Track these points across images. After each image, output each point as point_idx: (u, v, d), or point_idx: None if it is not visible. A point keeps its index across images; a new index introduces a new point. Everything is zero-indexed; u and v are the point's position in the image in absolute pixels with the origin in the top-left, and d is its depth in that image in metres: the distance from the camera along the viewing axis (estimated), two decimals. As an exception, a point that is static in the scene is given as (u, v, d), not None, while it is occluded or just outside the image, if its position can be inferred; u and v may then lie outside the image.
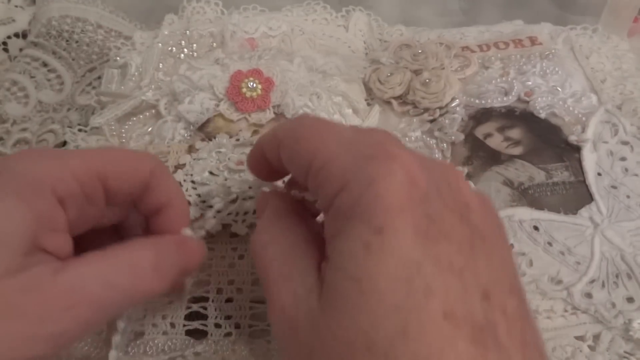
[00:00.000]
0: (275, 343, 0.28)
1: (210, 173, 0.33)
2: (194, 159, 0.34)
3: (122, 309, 0.25)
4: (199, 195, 0.32)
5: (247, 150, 0.34)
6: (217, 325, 0.29)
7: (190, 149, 0.34)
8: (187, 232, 0.27)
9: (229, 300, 0.29)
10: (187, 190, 0.32)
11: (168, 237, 0.25)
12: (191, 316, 0.29)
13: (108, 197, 0.24)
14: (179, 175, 0.33)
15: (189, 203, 0.32)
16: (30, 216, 0.20)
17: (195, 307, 0.29)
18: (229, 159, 0.33)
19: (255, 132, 0.36)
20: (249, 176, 0.32)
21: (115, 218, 0.26)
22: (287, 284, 0.20)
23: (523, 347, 0.17)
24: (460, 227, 0.18)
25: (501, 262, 0.19)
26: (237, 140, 0.35)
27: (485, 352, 0.16)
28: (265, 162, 0.24)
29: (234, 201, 0.31)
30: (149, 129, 0.37)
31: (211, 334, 0.28)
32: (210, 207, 0.31)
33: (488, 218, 0.20)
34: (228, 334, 0.29)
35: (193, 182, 0.33)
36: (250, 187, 0.32)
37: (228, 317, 0.29)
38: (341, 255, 0.18)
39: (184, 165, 0.33)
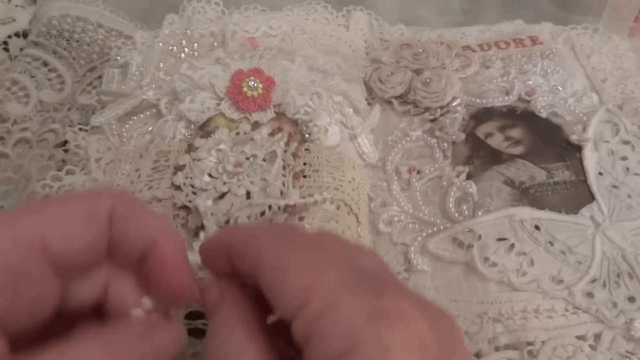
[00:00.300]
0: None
1: (210, 175, 0.33)
2: (193, 160, 0.33)
3: None
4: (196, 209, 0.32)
5: (246, 148, 0.33)
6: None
7: (190, 148, 0.34)
8: (146, 304, 0.20)
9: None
10: (187, 195, 0.32)
11: (127, 327, 0.19)
12: (191, 315, 0.29)
13: (57, 267, 0.18)
14: (179, 178, 0.33)
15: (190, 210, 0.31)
16: None
17: (195, 306, 0.29)
18: (227, 158, 0.33)
19: (255, 125, 0.35)
20: (247, 178, 0.32)
21: (86, 295, 0.20)
22: None
23: None
24: None
25: None
26: (237, 134, 0.35)
27: None
28: (226, 261, 0.20)
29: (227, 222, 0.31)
30: (150, 128, 0.37)
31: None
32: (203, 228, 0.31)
33: None
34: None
35: (192, 186, 0.32)
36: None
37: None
38: None
39: (184, 166, 0.33)
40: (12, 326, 0.17)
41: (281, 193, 0.32)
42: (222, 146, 0.34)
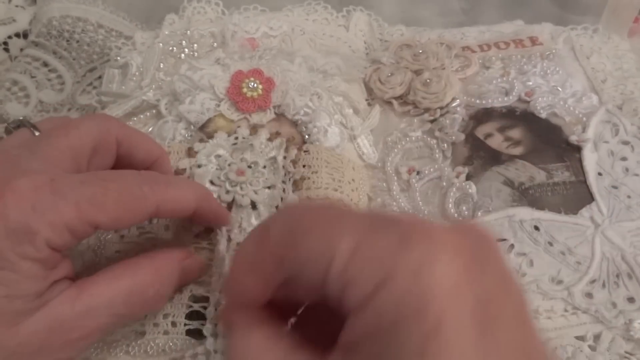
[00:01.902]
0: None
1: (211, 183, 0.33)
2: (193, 165, 0.33)
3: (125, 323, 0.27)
4: None
5: (246, 154, 0.33)
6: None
7: (190, 152, 0.34)
8: None
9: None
10: None
11: (170, 256, 0.27)
12: (192, 315, 0.29)
13: None
14: None
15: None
16: (35, 268, 0.22)
17: (196, 306, 0.29)
18: (229, 165, 0.33)
19: (253, 129, 0.35)
20: (250, 187, 0.32)
21: None
22: None
23: None
24: (506, 301, 0.17)
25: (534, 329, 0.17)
26: (236, 139, 0.35)
27: None
28: (252, 282, 0.20)
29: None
30: (150, 129, 0.37)
31: (211, 334, 0.28)
32: None
33: (511, 277, 0.18)
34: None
35: None
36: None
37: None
38: None
39: (184, 170, 0.33)
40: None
41: (281, 199, 0.32)
42: (220, 152, 0.34)
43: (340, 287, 0.17)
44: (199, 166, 0.33)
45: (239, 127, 0.36)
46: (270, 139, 0.35)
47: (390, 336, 0.16)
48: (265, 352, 0.19)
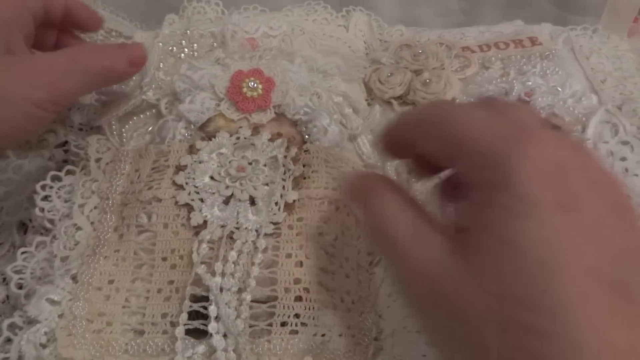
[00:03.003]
0: (275, 343, 0.28)
1: (212, 178, 0.33)
2: (195, 162, 0.34)
3: (86, 81, 0.32)
4: (201, 200, 0.32)
5: (248, 153, 0.34)
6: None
7: (191, 149, 0.34)
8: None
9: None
10: (189, 193, 0.32)
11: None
12: (191, 315, 0.29)
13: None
14: (180, 178, 0.33)
15: (192, 208, 0.32)
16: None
17: (195, 306, 0.29)
18: (229, 162, 0.33)
19: (255, 130, 0.36)
20: (249, 183, 0.32)
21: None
22: (426, 248, 0.21)
23: None
24: (596, 201, 0.20)
25: (633, 231, 0.20)
26: (237, 138, 0.35)
27: (626, 304, 0.18)
28: (399, 141, 0.26)
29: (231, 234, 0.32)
30: (150, 129, 0.37)
31: (211, 334, 0.28)
32: None
33: (615, 191, 0.21)
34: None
35: (195, 185, 0.33)
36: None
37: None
38: (489, 221, 0.20)
39: (185, 166, 0.34)
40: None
41: (281, 196, 0.32)
42: (223, 150, 0.34)
43: (463, 165, 0.22)
44: (200, 162, 0.34)
45: (241, 127, 0.36)
46: (272, 140, 0.35)
47: (492, 201, 0.20)
48: (399, 214, 0.23)
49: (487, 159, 0.21)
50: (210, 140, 0.35)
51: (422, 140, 0.24)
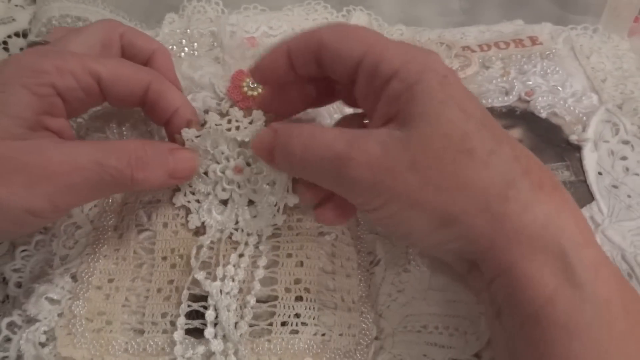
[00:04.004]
0: (275, 342, 0.28)
1: (205, 174, 0.31)
2: None
3: (110, 189, 0.28)
4: (198, 202, 0.31)
5: (246, 149, 0.31)
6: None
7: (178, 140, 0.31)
8: (187, 132, 0.30)
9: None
10: (185, 194, 0.31)
11: (162, 142, 0.31)
12: (191, 315, 0.29)
13: (107, 96, 0.29)
14: None
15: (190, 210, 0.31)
16: (32, 98, 0.26)
17: (195, 306, 0.29)
18: (226, 160, 0.32)
19: (247, 112, 0.33)
20: (248, 186, 0.31)
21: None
22: (363, 141, 0.24)
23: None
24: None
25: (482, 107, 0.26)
26: (229, 122, 0.32)
27: (489, 132, 0.24)
28: (282, 66, 0.28)
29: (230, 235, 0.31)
30: (150, 128, 0.37)
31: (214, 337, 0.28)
32: None
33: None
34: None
35: (190, 185, 0.31)
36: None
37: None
38: (421, 96, 0.24)
39: None
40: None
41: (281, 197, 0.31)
42: (216, 138, 0.31)
43: (369, 74, 0.25)
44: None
45: (231, 107, 0.34)
46: (266, 123, 0.31)
47: (421, 81, 0.24)
48: (324, 134, 0.25)
49: (398, 61, 0.25)
50: (202, 128, 0.32)
51: (306, 65, 0.27)
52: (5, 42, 0.46)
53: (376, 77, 0.25)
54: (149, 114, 0.32)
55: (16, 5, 0.48)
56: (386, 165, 0.23)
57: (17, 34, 0.47)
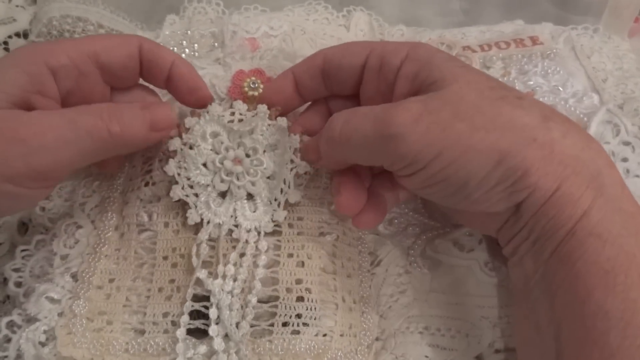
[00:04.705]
0: (277, 343, 0.28)
1: (204, 166, 0.31)
2: (184, 144, 0.31)
3: (91, 148, 0.27)
4: (196, 195, 0.31)
5: (245, 139, 0.31)
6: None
7: (180, 129, 0.31)
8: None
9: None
10: (183, 187, 0.31)
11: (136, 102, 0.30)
12: (192, 315, 0.29)
13: (105, 75, 0.30)
14: (171, 167, 0.31)
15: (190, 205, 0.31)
16: (21, 76, 0.26)
17: (197, 306, 0.29)
18: (225, 150, 0.31)
19: (252, 106, 0.33)
20: (247, 177, 0.31)
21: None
22: (401, 104, 0.25)
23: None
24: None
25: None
26: (232, 114, 0.32)
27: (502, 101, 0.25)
28: (288, 90, 0.32)
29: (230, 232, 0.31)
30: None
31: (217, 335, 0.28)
32: None
33: None
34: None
35: (188, 178, 0.31)
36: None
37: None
38: (440, 66, 0.26)
39: (175, 152, 0.31)
40: (69, 103, 0.28)
41: (281, 191, 0.31)
42: (216, 127, 0.32)
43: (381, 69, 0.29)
44: (191, 147, 0.31)
45: (235, 100, 0.34)
46: (270, 117, 0.32)
47: (433, 63, 0.27)
48: (360, 117, 0.27)
49: (402, 54, 0.28)
50: (201, 116, 0.32)
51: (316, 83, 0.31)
52: (5, 43, 0.46)
53: (385, 68, 0.28)
54: (148, 77, 0.32)
55: (17, 6, 0.48)
56: (431, 119, 0.24)
57: (17, 35, 0.47)
